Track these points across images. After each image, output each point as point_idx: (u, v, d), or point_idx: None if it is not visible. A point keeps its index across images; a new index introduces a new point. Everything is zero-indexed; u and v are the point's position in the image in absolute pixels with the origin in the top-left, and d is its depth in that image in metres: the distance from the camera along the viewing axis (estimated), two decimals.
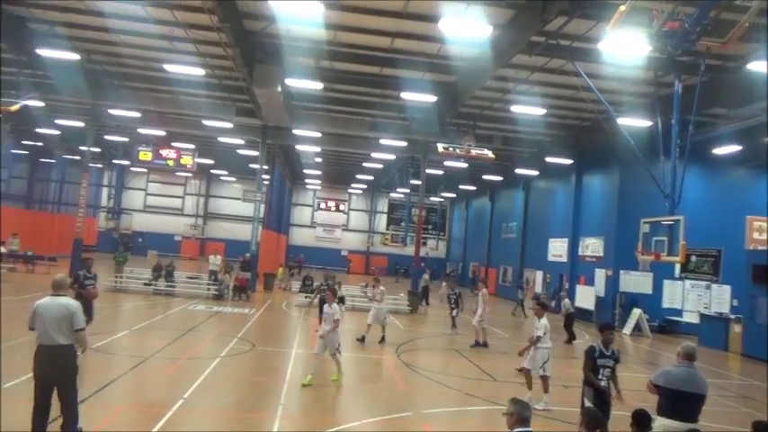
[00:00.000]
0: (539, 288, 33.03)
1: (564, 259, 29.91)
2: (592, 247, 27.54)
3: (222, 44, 18.46)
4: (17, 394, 8.50)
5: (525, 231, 36.67)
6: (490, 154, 24.37)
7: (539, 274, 33.14)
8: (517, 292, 29.21)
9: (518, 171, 33.46)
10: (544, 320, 10.43)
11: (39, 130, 34.30)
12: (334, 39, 18.16)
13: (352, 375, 11.94)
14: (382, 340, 16.02)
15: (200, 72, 20.93)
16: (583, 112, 23.67)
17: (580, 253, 28.53)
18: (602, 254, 26.46)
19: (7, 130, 31.17)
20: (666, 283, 24.20)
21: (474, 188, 45.54)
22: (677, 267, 23.29)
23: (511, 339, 19.06)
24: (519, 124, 25.47)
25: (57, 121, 31.45)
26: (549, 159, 28.41)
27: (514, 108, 22.47)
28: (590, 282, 26.82)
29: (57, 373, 6.39)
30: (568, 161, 28.09)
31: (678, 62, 16.54)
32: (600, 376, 7.23)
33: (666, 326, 24.00)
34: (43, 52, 19.24)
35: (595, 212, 27.69)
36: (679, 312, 23.91)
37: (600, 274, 26.13)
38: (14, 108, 21.84)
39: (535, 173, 33.17)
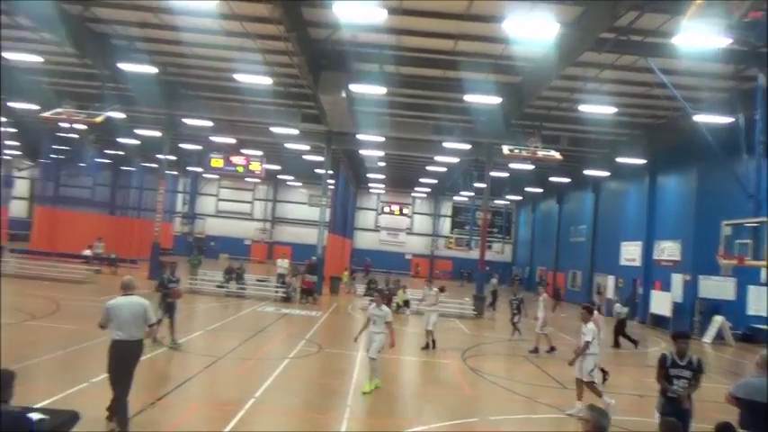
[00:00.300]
0: (610, 294, 31.81)
1: (638, 263, 28.68)
2: (668, 250, 26.25)
3: (289, 53, 18.96)
4: (102, 388, 9.04)
5: (595, 234, 35.44)
6: (557, 155, 23.71)
7: (610, 279, 31.92)
8: (593, 297, 28.33)
9: (587, 172, 32.40)
10: (591, 325, 9.99)
11: (120, 140, 36.43)
12: (397, 43, 18.27)
13: (418, 379, 11.94)
14: (427, 347, 15.24)
15: (268, 81, 21.58)
16: (657, 109, 22.65)
17: (655, 257, 27.26)
18: (679, 258, 25.18)
19: (92, 140, 33.25)
20: (751, 288, 22.65)
21: (541, 190, 44.48)
22: (763, 272, 21.79)
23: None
24: (588, 124, 24.68)
25: (136, 131, 33.33)
26: (620, 160, 27.34)
27: (583, 107, 21.80)
28: (666, 287, 25.55)
29: (130, 364, 6.97)
30: (641, 161, 26.92)
31: (761, 54, 15.54)
32: (674, 387, 6.78)
33: (752, 334, 22.49)
34: (124, 66, 20.43)
35: (671, 214, 26.40)
36: (766, 320, 22.37)
37: (677, 279, 24.85)
38: (99, 120, 23.24)
39: (605, 174, 32.00)
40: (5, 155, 31.09)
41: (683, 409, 6.58)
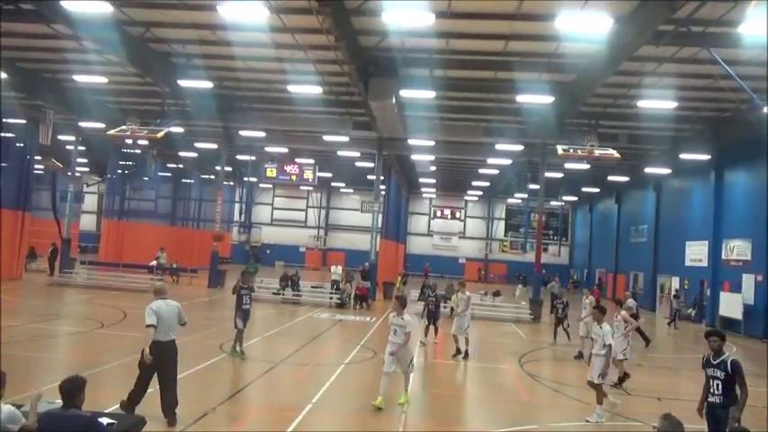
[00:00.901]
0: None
1: (704, 264, 27.35)
2: (737, 249, 24.89)
3: (339, 62, 19.20)
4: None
5: (657, 235, 34.05)
6: (615, 154, 22.93)
7: (674, 281, 30.59)
8: (671, 301, 27.24)
9: (647, 170, 31.21)
10: (606, 326, 9.60)
11: (180, 154, 37.85)
12: (446, 47, 18.18)
13: (474, 384, 11.77)
14: (460, 353, 14.30)
15: (318, 90, 21.92)
16: (721, 102, 21.57)
17: (723, 257, 25.91)
18: (749, 257, 23.82)
19: (154, 155, 34.68)
20: None
21: (598, 190, 43.17)
22: None
23: (647, 351, 17.73)
24: (647, 120, 23.77)
25: (195, 145, 34.55)
26: (683, 156, 26.18)
27: (641, 103, 21.03)
28: (736, 288, 24.23)
29: (169, 361, 7.60)
30: (706, 156, 25.68)
31: None
32: (710, 389, 6.54)
33: None
34: (183, 83, 21.24)
35: (740, 211, 25.03)
36: None
37: (748, 280, 23.52)
38: (160, 135, 24.23)
39: (667, 171, 30.72)
40: (76, 171, 32.78)
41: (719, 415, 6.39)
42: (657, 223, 34.16)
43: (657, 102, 20.58)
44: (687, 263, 29.34)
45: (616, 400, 9.64)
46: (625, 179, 36.31)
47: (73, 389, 4.91)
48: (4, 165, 26.07)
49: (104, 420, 5.19)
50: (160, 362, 7.47)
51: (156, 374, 7.54)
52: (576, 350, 15.56)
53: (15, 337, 13.81)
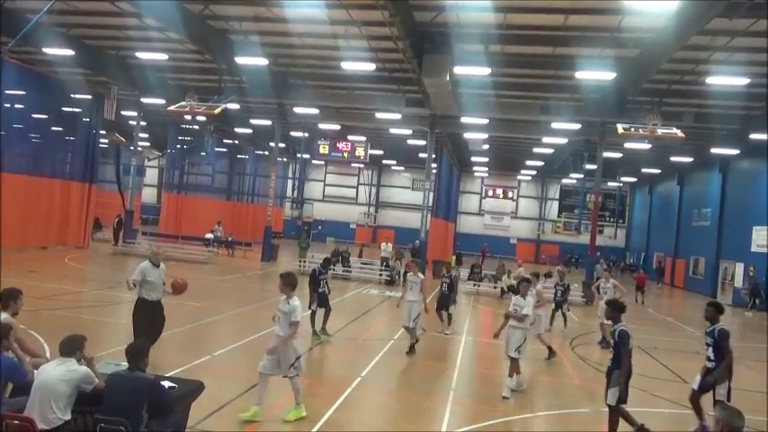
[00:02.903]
0: (738, 283, 29.17)
1: None
2: None
3: (393, 38, 19.04)
4: (222, 361, 9.75)
5: (722, 218, 32.50)
6: (679, 133, 21.88)
7: (739, 267, 29.23)
8: (750, 286, 26.22)
9: (714, 151, 29.69)
10: (530, 298, 9.33)
11: (236, 130, 38.69)
12: (504, 21, 17.70)
13: (523, 366, 11.65)
14: (554, 353, 12.63)
15: (372, 67, 21.84)
16: None
17: None
18: None
19: (211, 130, 35.59)
20: None
21: (658, 171, 41.46)
22: None
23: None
24: (715, 98, 22.58)
25: (250, 121, 35.20)
26: (753, 136, 24.74)
27: (710, 80, 19.94)
28: None
29: (154, 320, 8.82)
30: None
31: None
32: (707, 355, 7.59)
33: None
34: (240, 60, 21.60)
35: None
36: None
37: None
38: (218, 111, 24.81)
39: (735, 152, 29.15)
40: (138, 146, 34.06)
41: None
42: (723, 206, 32.58)
43: (727, 78, 19.46)
44: (753, 248, 27.96)
45: (522, 381, 9.53)
46: (689, 160, 34.70)
47: (138, 353, 5.18)
48: (71, 138, 27.40)
49: (166, 384, 5.45)
50: (146, 318, 8.65)
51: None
52: (600, 337, 14.28)
53: (84, 302, 14.65)
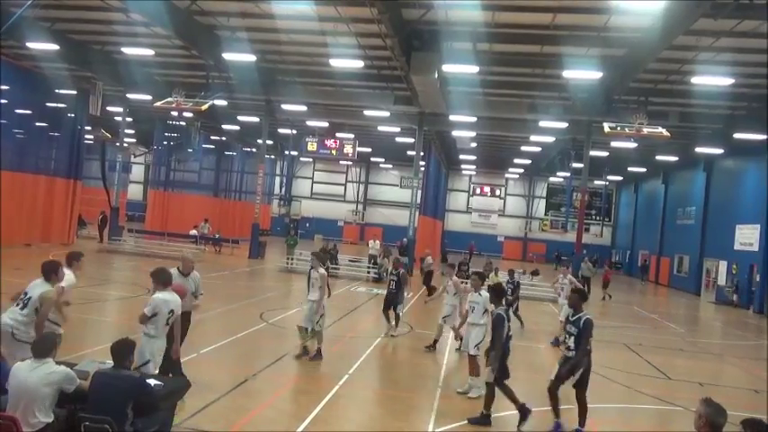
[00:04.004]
0: (722, 280, 29.57)
1: (755, 248, 26.37)
2: None
3: (381, 35, 19.01)
4: (209, 359, 9.69)
5: (706, 217, 32.92)
6: (665, 132, 22.11)
7: (722, 265, 29.63)
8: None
9: (698, 150, 30.04)
10: (484, 293, 9.16)
11: (223, 126, 38.45)
12: (492, 20, 17.74)
13: (510, 363, 11.72)
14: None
15: (360, 64, 21.79)
16: None
17: None
18: None
19: (198, 127, 35.34)
20: None
21: (644, 170, 41.87)
22: None
23: (687, 335, 17.33)
24: (700, 98, 22.81)
25: (238, 118, 35.00)
26: (737, 136, 25.06)
27: (695, 80, 20.15)
28: None
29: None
30: (762, 137, 24.51)
31: None
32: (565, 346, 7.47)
33: None
34: (227, 56, 21.45)
35: None
36: None
37: None
38: (205, 107, 24.64)
39: (719, 151, 29.52)
40: (124, 142, 33.73)
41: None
42: (707, 205, 33.00)
43: (712, 78, 19.68)
44: (737, 246, 28.35)
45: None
46: (674, 159, 35.09)
47: (123, 350, 5.14)
48: (56, 134, 27.05)
49: (152, 382, 5.41)
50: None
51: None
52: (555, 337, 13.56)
53: (69, 300, 14.48)
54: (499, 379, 7.42)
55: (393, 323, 13.13)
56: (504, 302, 7.81)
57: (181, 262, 8.08)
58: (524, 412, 7.52)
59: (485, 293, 9.18)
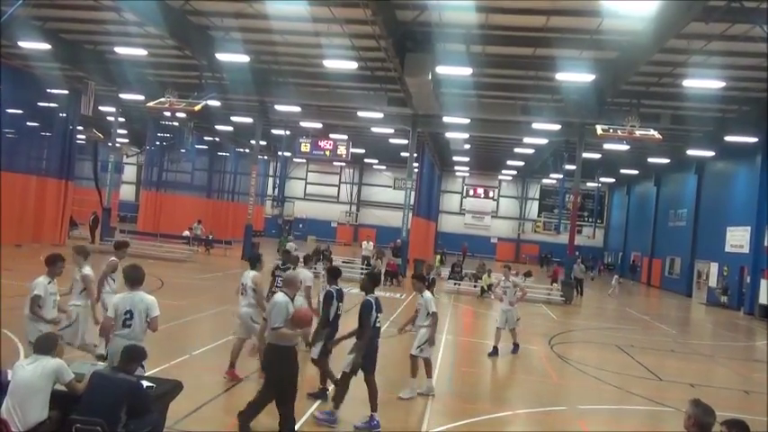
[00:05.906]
0: (713, 282, 29.78)
1: (745, 250, 26.57)
2: None
3: (375, 36, 19.02)
4: (205, 359, 9.66)
5: (697, 219, 33.14)
6: (657, 135, 22.24)
7: (713, 267, 29.84)
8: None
9: (690, 152, 30.24)
10: (428, 294, 9.11)
11: (217, 127, 38.32)
12: (485, 22, 17.79)
13: (503, 364, 11.76)
14: (497, 353, 12.28)
15: (354, 65, 21.79)
16: None
17: (766, 243, 25.11)
18: None
19: (191, 127, 35.20)
20: None
21: (636, 172, 42.11)
22: None
23: (678, 336, 17.44)
24: (691, 100, 22.99)
25: (231, 118, 34.90)
26: (728, 138, 25.25)
27: (686, 82, 20.28)
28: None
29: None
30: (753, 139, 24.73)
31: None
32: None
33: None
34: (221, 56, 21.38)
35: None
36: None
37: None
38: (198, 108, 24.56)
39: (710, 154, 29.73)
40: (116, 142, 33.56)
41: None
42: (698, 207, 33.24)
43: (704, 81, 19.80)
44: (727, 248, 28.56)
45: (431, 383, 8.99)
46: (665, 161, 35.32)
47: (134, 355, 5.21)
48: (47, 134, 26.88)
49: (144, 383, 5.40)
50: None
51: None
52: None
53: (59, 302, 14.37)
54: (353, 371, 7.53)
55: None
56: (373, 290, 8.11)
57: (288, 285, 7.31)
58: (323, 396, 8.13)
59: (427, 295, 9.09)
